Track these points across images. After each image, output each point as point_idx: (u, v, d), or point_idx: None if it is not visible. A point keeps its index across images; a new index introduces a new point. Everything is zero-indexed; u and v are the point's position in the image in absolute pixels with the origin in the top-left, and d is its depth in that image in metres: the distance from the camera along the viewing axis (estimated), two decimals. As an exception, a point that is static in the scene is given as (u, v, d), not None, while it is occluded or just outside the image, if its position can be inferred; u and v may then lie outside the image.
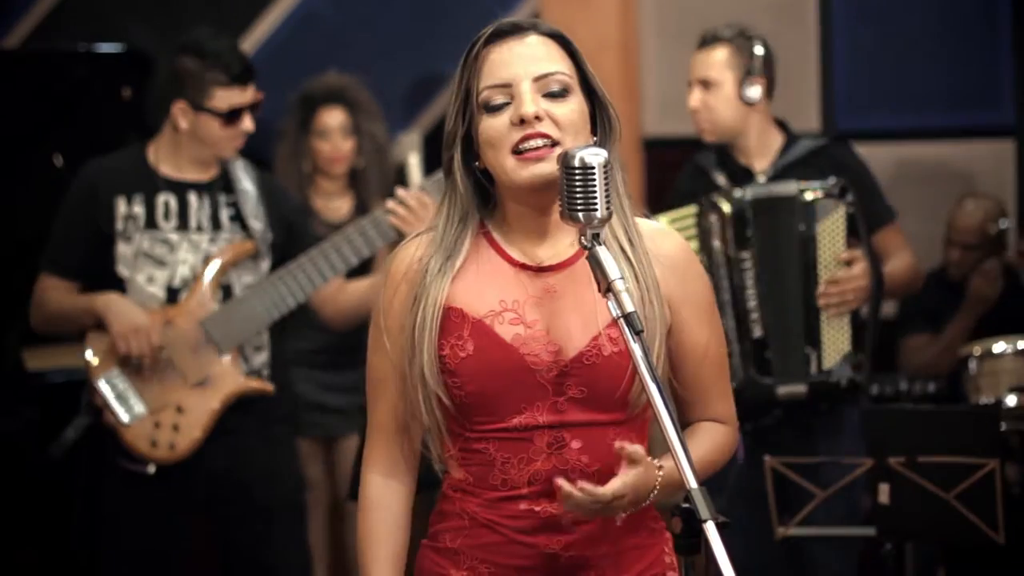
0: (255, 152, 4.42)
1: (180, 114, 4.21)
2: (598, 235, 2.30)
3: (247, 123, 4.23)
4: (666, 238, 2.49)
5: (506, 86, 2.39)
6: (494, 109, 2.39)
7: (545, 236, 2.45)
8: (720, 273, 4.28)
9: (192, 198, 4.26)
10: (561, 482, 2.32)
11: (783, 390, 4.27)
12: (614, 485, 2.30)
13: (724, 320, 4.26)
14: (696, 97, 4.45)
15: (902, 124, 6.24)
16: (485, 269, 2.45)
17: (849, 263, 4.26)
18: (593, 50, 2.47)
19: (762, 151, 4.49)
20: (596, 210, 2.28)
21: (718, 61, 4.43)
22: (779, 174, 4.44)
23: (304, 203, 5.06)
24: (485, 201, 2.48)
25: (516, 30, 2.42)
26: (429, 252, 2.45)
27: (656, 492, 2.36)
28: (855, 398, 4.31)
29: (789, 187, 4.31)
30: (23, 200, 5.28)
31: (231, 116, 4.20)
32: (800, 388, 4.27)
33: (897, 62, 6.26)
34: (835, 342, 4.28)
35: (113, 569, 4.34)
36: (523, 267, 2.45)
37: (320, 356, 5.17)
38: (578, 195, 2.28)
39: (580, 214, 2.29)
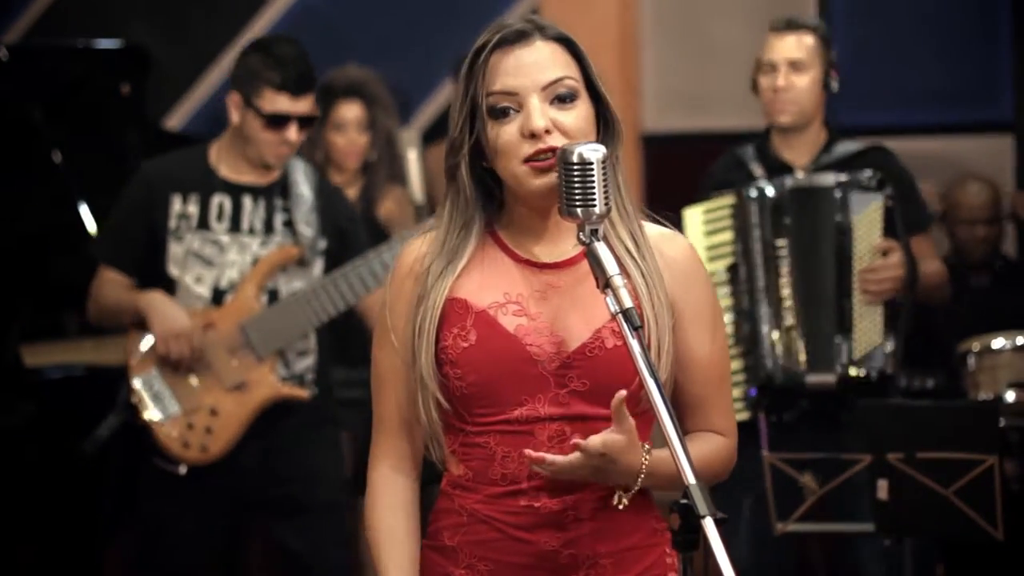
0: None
1: (233, 106, 4.21)
2: (596, 231, 2.29)
3: (292, 133, 4.17)
4: (672, 243, 2.47)
5: (513, 94, 2.38)
6: (502, 115, 2.38)
7: (551, 236, 2.44)
8: (756, 261, 4.29)
9: (247, 201, 4.24)
10: (529, 451, 2.31)
11: (812, 379, 4.27)
12: (595, 441, 2.28)
13: (759, 307, 4.29)
14: (786, 76, 4.40)
15: (901, 120, 6.24)
16: (490, 265, 2.44)
17: (885, 253, 4.28)
18: (592, 47, 2.46)
19: (810, 146, 4.47)
20: (595, 206, 2.27)
21: (810, 46, 4.42)
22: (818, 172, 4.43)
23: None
24: (489, 200, 2.47)
25: (521, 36, 2.40)
26: (433, 252, 2.44)
27: (643, 477, 2.34)
28: (885, 391, 4.29)
29: (827, 179, 4.33)
30: (22, 196, 5.28)
31: (275, 120, 4.16)
32: (829, 378, 4.27)
33: (896, 58, 6.26)
34: (866, 333, 4.28)
35: (146, 566, 4.35)
36: (528, 263, 2.44)
37: (337, 350, 5.16)
38: (576, 191, 2.27)
39: (579, 210, 2.28)
